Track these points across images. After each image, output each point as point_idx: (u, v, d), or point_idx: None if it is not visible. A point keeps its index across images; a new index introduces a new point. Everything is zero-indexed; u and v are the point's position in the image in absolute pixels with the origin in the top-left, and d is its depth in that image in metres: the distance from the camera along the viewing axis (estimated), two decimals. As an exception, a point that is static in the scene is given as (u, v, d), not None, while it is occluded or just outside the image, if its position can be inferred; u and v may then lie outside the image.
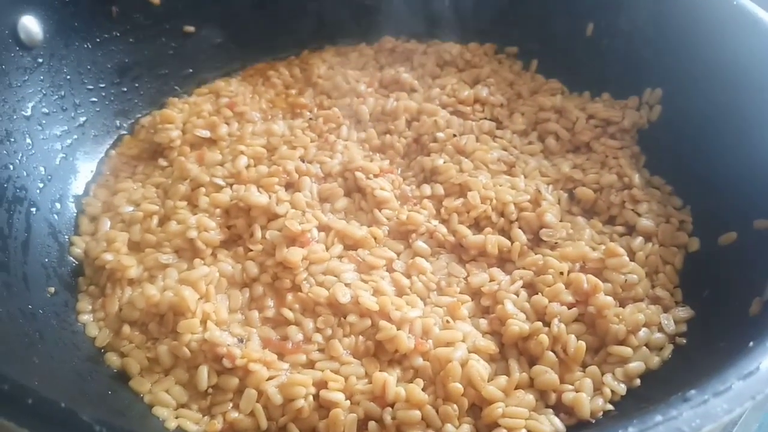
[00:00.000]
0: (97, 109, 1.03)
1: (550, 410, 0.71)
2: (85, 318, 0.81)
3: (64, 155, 0.96)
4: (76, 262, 0.88)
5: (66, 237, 0.90)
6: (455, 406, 0.69)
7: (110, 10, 1.04)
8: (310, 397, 0.71)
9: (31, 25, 0.92)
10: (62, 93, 0.98)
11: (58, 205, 0.92)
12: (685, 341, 0.75)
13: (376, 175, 0.93)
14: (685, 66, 0.97)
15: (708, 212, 0.88)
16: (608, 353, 0.74)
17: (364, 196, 0.92)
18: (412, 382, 0.71)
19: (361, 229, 0.88)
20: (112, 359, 0.77)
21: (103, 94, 1.05)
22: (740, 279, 0.75)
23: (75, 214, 0.94)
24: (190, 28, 1.13)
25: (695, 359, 0.72)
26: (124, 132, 1.07)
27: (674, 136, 0.97)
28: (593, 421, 0.69)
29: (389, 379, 0.70)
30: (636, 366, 0.73)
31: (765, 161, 0.81)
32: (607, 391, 0.71)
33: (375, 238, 0.87)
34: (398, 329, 0.75)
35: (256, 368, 0.72)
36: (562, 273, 0.79)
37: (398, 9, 1.22)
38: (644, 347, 0.74)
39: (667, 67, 1.00)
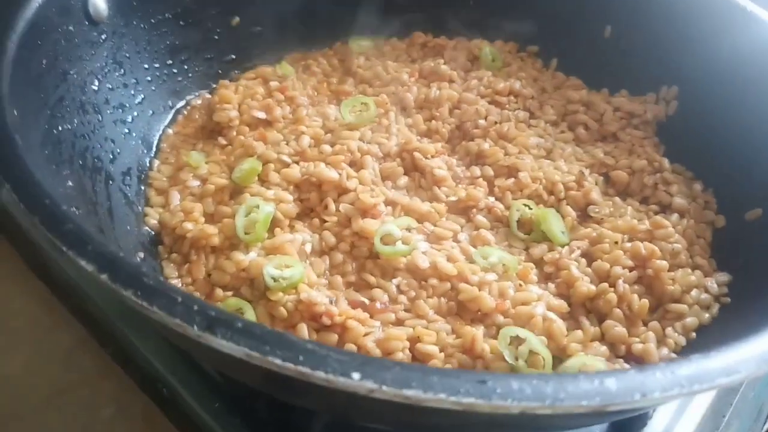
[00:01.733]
0: (153, 88, 1.06)
1: (621, 360, 0.79)
2: (174, 282, 0.84)
3: (127, 130, 0.98)
4: (153, 232, 0.90)
5: (139, 208, 0.92)
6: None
7: (165, -8, 1.07)
8: (407, 350, 0.76)
9: (98, 1, 0.94)
10: (122, 71, 1.00)
11: (128, 178, 0.94)
12: (729, 300, 0.85)
13: (432, 156, 1.00)
14: (698, 64, 1.07)
15: (729, 194, 0.99)
16: (666, 310, 0.83)
17: (423, 175, 0.98)
18: (495, 338, 0.78)
19: (424, 204, 0.94)
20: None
21: (157, 74, 1.07)
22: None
23: (142, 188, 0.96)
24: (236, 20, 1.17)
25: (742, 315, 0.82)
26: (177, 112, 1.09)
27: (690, 129, 1.08)
28: (662, 368, 0.78)
29: (477, 333, 0.77)
30: (691, 321, 0.82)
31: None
32: (671, 342, 0.80)
33: (438, 213, 0.93)
34: (479, 290, 0.81)
35: (354, 325, 0.77)
36: (616, 242, 0.88)
37: (425, 6, 1.30)
38: (696, 305, 0.84)
39: (681, 66, 1.10)
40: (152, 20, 1.06)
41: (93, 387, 0.93)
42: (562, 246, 0.91)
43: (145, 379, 0.92)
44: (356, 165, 0.97)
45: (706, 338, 0.82)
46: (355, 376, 0.46)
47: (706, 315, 0.83)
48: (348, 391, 0.46)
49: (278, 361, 0.46)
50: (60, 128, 0.82)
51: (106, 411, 0.91)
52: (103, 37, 0.96)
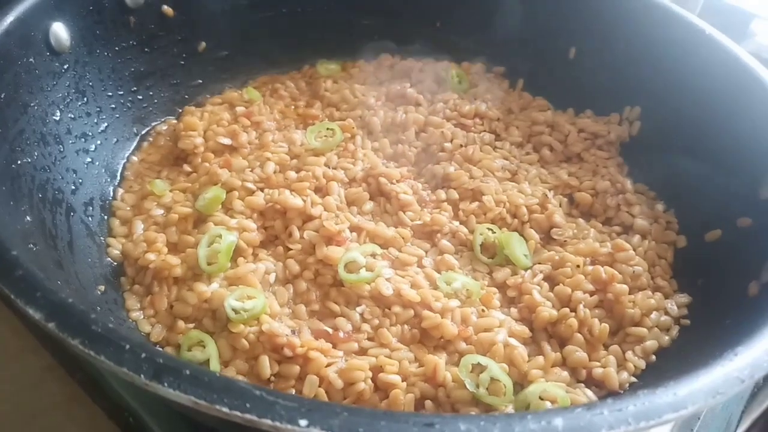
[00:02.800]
0: (117, 115, 1.05)
1: (582, 384, 0.80)
2: (135, 315, 0.84)
3: (90, 160, 0.98)
4: (115, 263, 0.90)
5: (102, 239, 0.92)
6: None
7: (128, 19, 1.06)
8: (369, 380, 0.77)
9: (60, 31, 0.94)
10: (85, 99, 1.00)
11: (90, 208, 0.94)
12: (689, 322, 0.86)
13: (398, 180, 1.00)
14: (661, 85, 1.09)
15: (690, 214, 1.00)
16: (626, 334, 0.84)
17: (388, 200, 0.99)
18: (457, 365, 0.79)
19: (389, 229, 0.94)
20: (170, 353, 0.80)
21: (122, 101, 1.07)
22: (732, 268, 0.87)
23: (105, 218, 0.95)
24: (202, 45, 1.17)
25: (701, 337, 0.83)
26: (142, 139, 1.09)
27: (652, 149, 1.10)
28: (622, 392, 0.79)
29: (439, 361, 0.77)
30: (651, 344, 0.83)
31: (736, 167, 0.94)
32: (631, 365, 0.81)
33: (403, 238, 0.94)
34: (441, 317, 0.82)
35: (316, 356, 0.77)
36: (578, 266, 0.89)
37: (392, 29, 1.31)
38: (655, 328, 0.85)
39: (644, 87, 1.13)
40: (116, 48, 1.05)
41: (62, 413, 0.92)
42: (525, 269, 0.92)
43: (112, 408, 0.91)
44: (321, 191, 0.97)
45: (666, 360, 0.83)
46: (303, 422, 0.46)
47: (666, 337, 0.84)
48: (297, 437, 0.46)
49: (225, 409, 0.47)
50: (19, 162, 0.82)
51: (74, 438, 0.91)
52: (66, 66, 0.96)
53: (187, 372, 0.48)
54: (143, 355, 0.49)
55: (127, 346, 0.49)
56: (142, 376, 0.48)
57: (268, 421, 0.46)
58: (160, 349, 0.80)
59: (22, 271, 0.55)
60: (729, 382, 0.55)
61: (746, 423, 1.10)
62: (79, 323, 0.51)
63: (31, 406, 0.93)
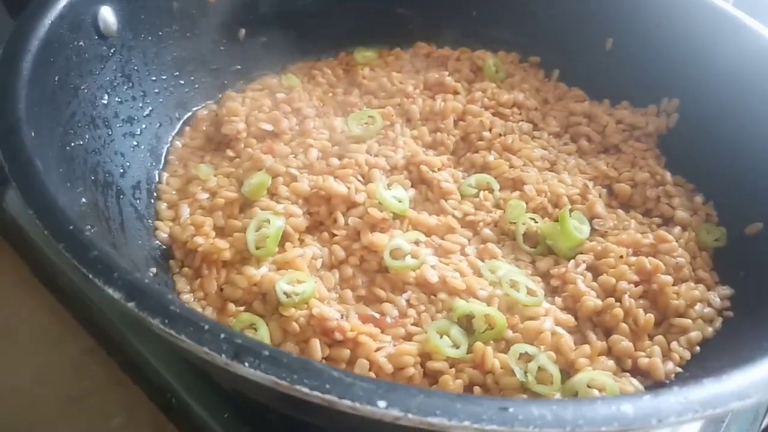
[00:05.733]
0: (160, 99, 1.06)
1: (627, 374, 0.81)
2: (186, 297, 0.85)
3: (136, 143, 0.99)
4: (164, 246, 0.91)
5: (150, 222, 0.93)
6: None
7: (172, 5, 1.07)
8: (419, 366, 0.78)
9: (108, 15, 0.94)
10: (131, 83, 1.00)
11: (138, 192, 0.95)
12: (732, 314, 0.87)
13: (439, 169, 1.01)
14: (699, 77, 1.09)
15: (730, 207, 1.01)
16: (670, 324, 0.85)
17: (430, 188, 0.99)
18: (503, 353, 0.80)
19: (431, 217, 0.95)
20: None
21: (165, 85, 1.08)
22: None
23: (152, 201, 0.97)
24: (242, 32, 1.18)
25: (744, 328, 0.84)
26: (184, 124, 1.10)
27: (691, 141, 1.10)
28: (667, 382, 0.80)
29: (488, 349, 0.78)
30: (695, 335, 0.84)
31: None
32: (676, 356, 0.81)
33: (450, 228, 0.94)
34: (488, 305, 0.83)
35: (366, 340, 0.78)
36: (621, 256, 0.90)
37: (428, 17, 1.31)
38: (699, 319, 0.86)
39: (682, 78, 1.12)
40: (159, 33, 1.06)
41: (102, 396, 0.94)
42: (581, 244, 0.92)
43: (153, 389, 0.93)
44: (364, 178, 0.98)
45: (709, 351, 0.83)
46: (381, 404, 0.47)
47: (710, 329, 0.85)
48: (374, 417, 0.47)
49: (306, 390, 0.48)
50: (72, 144, 0.83)
51: (116, 420, 0.92)
52: (112, 51, 0.97)
53: (266, 353, 0.49)
54: (222, 335, 0.50)
55: (207, 327, 0.50)
56: (223, 355, 0.49)
57: (348, 402, 0.47)
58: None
59: (97, 252, 0.56)
60: (791, 373, 0.56)
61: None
62: (158, 303, 0.52)
63: (71, 390, 0.95)
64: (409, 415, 0.47)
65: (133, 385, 0.95)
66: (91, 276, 0.53)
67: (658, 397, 0.51)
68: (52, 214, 0.59)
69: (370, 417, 0.47)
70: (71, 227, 0.57)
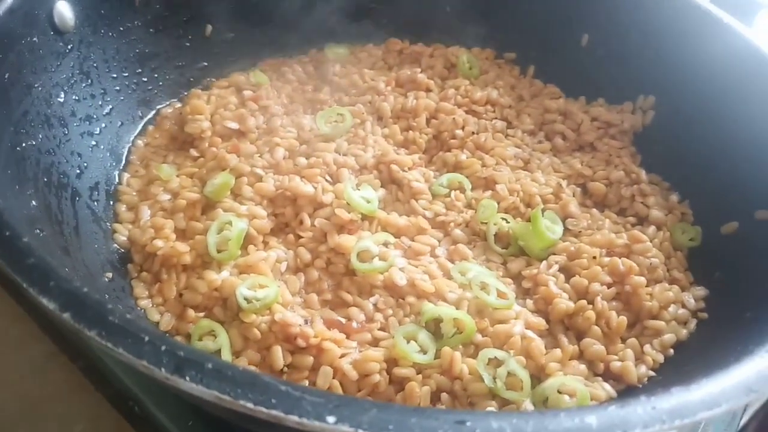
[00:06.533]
0: (122, 97, 1.03)
1: (600, 378, 0.79)
2: (144, 303, 0.82)
3: (95, 143, 0.96)
4: (122, 249, 0.88)
5: (108, 224, 0.89)
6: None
7: (134, -1, 1.04)
8: (384, 372, 0.75)
9: (64, 10, 0.91)
10: (90, 80, 0.97)
11: (95, 193, 0.91)
12: (706, 315, 0.85)
13: (409, 168, 0.99)
14: (675, 74, 1.08)
15: (705, 206, 0.99)
16: (644, 327, 0.83)
17: (400, 188, 0.97)
18: (472, 357, 0.77)
19: (401, 218, 0.92)
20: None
21: (126, 83, 1.04)
22: (750, 261, 0.85)
23: (110, 203, 0.93)
24: (209, 28, 1.15)
25: (719, 331, 0.82)
26: (147, 123, 1.06)
27: (666, 139, 1.08)
28: (640, 386, 0.78)
29: (456, 354, 0.76)
30: (669, 337, 0.82)
31: (754, 158, 0.93)
32: (649, 359, 0.79)
33: (420, 229, 0.92)
34: (457, 309, 0.80)
35: (330, 346, 0.75)
36: (594, 257, 0.88)
37: (401, 12, 1.28)
38: (673, 321, 0.84)
39: (658, 75, 1.11)
40: (121, 28, 1.03)
41: (65, 402, 0.91)
42: (553, 246, 0.90)
43: (116, 396, 0.90)
44: (332, 178, 0.95)
45: (684, 354, 0.81)
46: (330, 419, 0.44)
47: (684, 331, 0.83)
48: (323, 434, 0.45)
49: (250, 405, 0.45)
50: (24, 145, 0.80)
51: (78, 427, 0.89)
52: (70, 47, 0.93)
53: (210, 366, 0.46)
54: (163, 347, 0.47)
55: (147, 338, 0.47)
56: (162, 369, 0.46)
57: (295, 418, 0.44)
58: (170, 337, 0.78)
59: (34, 259, 0.53)
60: (763, 380, 0.54)
61: (748, 414, 1.09)
62: (96, 314, 0.49)
63: (33, 394, 0.91)
64: (360, 431, 0.44)
65: (96, 391, 0.92)
66: (25, 285, 0.50)
67: (624, 407, 0.49)
68: (-13, 220, 0.56)
69: (320, 433, 0.45)
70: (7, 233, 0.54)
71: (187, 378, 0.46)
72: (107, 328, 0.48)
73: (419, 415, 0.46)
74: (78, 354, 0.93)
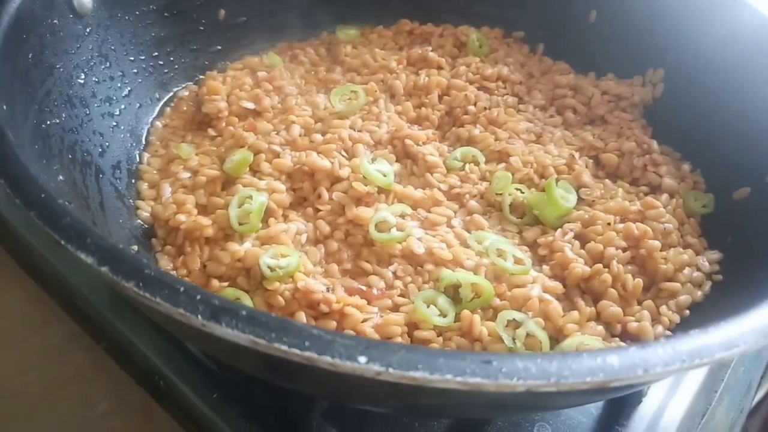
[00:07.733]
0: (139, 80, 1.05)
1: (617, 339, 0.80)
2: (170, 275, 0.83)
3: (115, 123, 0.98)
4: (145, 225, 0.90)
5: (131, 201, 0.92)
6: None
7: (149, -16, 1.05)
8: (406, 335, 0.77)
9: (83, -6, 0.93)
10: (108, 63, 0.99)
11: (118, 171, 0.93)
12: (721, 278, 0.86)
13: (423, 142, 1.00)
14: (683, 46, 1.08)
15: (717, 174, 1.00)
16: (659, 289, 0.84)
17: (415, 162, 0.98)
18: (491, 321, 0.79)
19: (417, 191, 0.94)
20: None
21: (143, 66, 1.06)
22: (762, 225, 0.86)
23: (132, 181, 0.95)
24: (222, 13, 1.17)
25: (733, 292, 0.83)
26: (164, 105, 1.08)
27: (676, 110, 1.09)
28: (658, 345, 0.79)
29: (475, 317, 0.77)
30: (684, 299, 0.83)
31: (764, 124, 0.94)
32: (665, 320, 0.81)
33: (434, 201, 0.93)
34: (475, 275, 0.82)
35: (352, 311, 0.77)
36: (609, 223, 0.89)
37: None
38: (688, 283, 0.85)
39: (667, 48, 1.12)
40: (137, 12, 1.04)
41: (88, 382, 0.93)
42: (567, 213, 0.92)
43: (141, 373, 0.91)
44: (348, 153, 0.97)
45: (699, 315, 0.83)
46: (362, 359, 0.46)
47: (699, 293, 0.84)
48: (354, 374, 0.46)
49: (284, 347, 0.46)
50: (48, 122, 0.82)
51: (102, 406, 0.91)
52: (88, 30, 0.95)
53: (244, 312, 0.48)
54: (198, 296, 0.49)
55: (182, 288, 0.49)
56: (199, 316, 0.48)
57: (328, 358, 0.46)
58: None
59: (70, 219, 0.54)
60: (780, 322, 0.55)
61: (764, 389, 1.11)
62: (132, 267, 0.50)
63: (56, 376, 0.93)
64: (390, 370, 0.45)
65: (120, 370, 0.93)
66: (63, 242, 0.52)
67: (644, 348, 0.50)
68: (24, 183, 0.58)
69: (351, 374, 0.46)
70: (43, 195, 0.56)
71: (223, 324, 0.47)
72: (144, 280, 0.50)
73: (446, 355, 0.47)
74: (101, 334, 0.95)
